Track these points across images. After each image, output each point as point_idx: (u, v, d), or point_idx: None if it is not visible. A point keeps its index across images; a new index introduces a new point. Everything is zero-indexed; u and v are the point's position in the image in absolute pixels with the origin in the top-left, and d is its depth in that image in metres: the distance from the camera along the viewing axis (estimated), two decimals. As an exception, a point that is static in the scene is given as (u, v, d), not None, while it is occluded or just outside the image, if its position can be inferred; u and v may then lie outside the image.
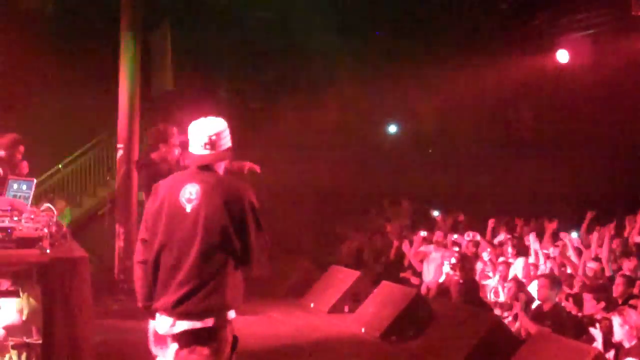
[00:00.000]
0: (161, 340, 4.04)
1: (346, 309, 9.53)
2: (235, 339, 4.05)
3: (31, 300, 5.93)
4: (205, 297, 3.88)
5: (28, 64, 11.41)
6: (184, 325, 3.88)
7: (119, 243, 10.53)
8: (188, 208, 3.94)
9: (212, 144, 4.07)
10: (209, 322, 3.88)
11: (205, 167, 4.07)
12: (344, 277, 10.04)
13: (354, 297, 9.58)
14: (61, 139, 11.97)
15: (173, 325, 3.90)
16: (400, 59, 14.15)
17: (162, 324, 3.96)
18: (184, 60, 13.20)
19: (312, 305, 9.80)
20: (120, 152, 10.62)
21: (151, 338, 4.13)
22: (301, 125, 14.06)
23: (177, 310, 3.89)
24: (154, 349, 4.12)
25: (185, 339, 3.90)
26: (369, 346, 8.06)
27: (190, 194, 3.97)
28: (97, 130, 12.18)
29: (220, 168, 4.14)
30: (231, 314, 3.98)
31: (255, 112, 14.12)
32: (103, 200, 12.43)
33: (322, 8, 13.38)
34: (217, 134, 4.09)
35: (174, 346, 3.96)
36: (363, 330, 8.50)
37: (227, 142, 4.14)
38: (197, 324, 3.87)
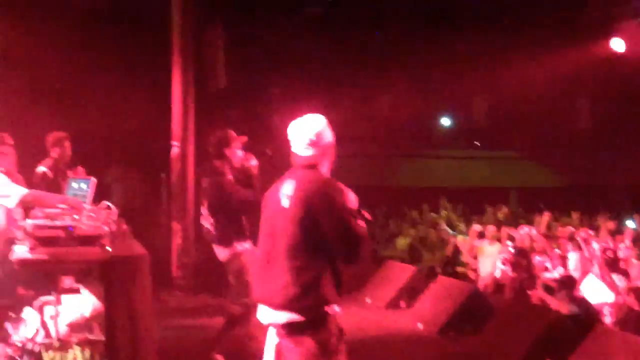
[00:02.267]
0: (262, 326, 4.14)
1: (403, 304, 9.50)
2: (340, 331, 4.04)
3: (93, 297, 6.02)
4: (303, 290, 3.88)
5: (81, 64, 11.56)
6: (285, 317, 3.91)
7: (176, 240, 10.63)
8: (285, 203, 4.00)
9: (313, 143, 4.07)
10: (309, 315, 3.90)
11: (308, 167, 4.07)
12: (399, 272, 10.02)
13: (410, 293, 9.55)
14: (116, 138, 12.11)
15: (273, 316, 3.96)
16: (451, 52, 14.04)
17: (263, 314, 4.04)
18: (236, 57, 13.26)
19: (368, 300, 9.79)
20: (175, 150, 10.71)
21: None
22: (354, 120, 14.04)
23: (276, 302, 3.93)
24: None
25: (287, 331, 3.94)
26: (427, 342, 8.02)
27: (288, 189, 4.03)
28: (151, 127, 12.28)
29: (324, 167, 4.11)
30: (333, 307, 3.96)
31: (307, 109, 14.12)
32: (159, 198, 12.55)
33: (372, 3, 13.34)
34: (317, 134, 4.08)
35: (274, 338, 4.01)
36: (420, 325, 8.46)
37: (327, 139, 4.13)
38: (297, 317, 3.89)
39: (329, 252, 3.94)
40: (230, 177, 6.66)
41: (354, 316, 9.06)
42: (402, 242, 11.80)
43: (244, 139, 6.88)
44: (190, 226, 10.71)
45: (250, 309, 5.99)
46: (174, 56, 10.81)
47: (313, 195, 3.94)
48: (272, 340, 4.04)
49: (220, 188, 6.54)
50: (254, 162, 7.00)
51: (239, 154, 6.89)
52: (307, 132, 4.09)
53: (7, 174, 6.15)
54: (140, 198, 12.34)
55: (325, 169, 4.12)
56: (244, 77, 13.51)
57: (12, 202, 5.65)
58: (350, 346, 6.52)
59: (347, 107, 15.03)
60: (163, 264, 10.51)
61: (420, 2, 13.86)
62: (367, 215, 4.15)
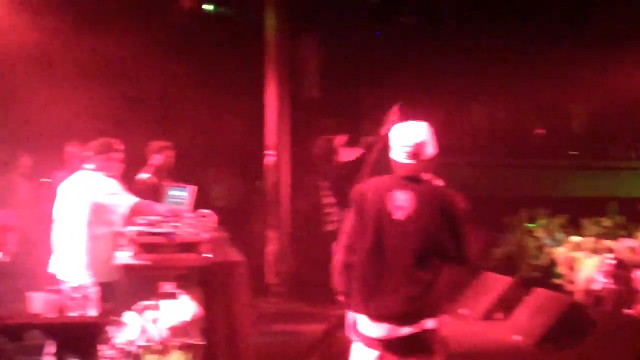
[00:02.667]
0: (365, 340, 3.96)
1: (498, 315, 9.36)
2: (445, 342, 4.06)
3: (192, 302, 6.15)
4: (420, 302, 3.82)
5: (181, 76, 11.85)
6: (399, 330, 3.82)
7: (272, 247, 10.76)
8: (399, 215, 3.85)
9: (415, 154, 3.93)
10: (425, 326, 3.84)
11: (416, 176, 3.94)
12: (495, 283, 9.87)
13: (506, 304, 9.40)
14: (213, 146, 12.34)
15: (386, 330, 3.84)
16: (549, 59, 13.78)
17: (370, 328, 3.88)
18: (329, 67, 13.36)
19: (463, 311, 9.68)
20: (270, 159, 10.85)
21: (351, 327, 4.05)
22: (449, 129, 13.94)
23: (391, 315, 3.83)
24: (353, 337, 4.05)
25: (399, 346, 3.84)
26: (524, 354, 7.87)
27: (400, 201, 3.87)
28: (247, 136, 12.48)
29: (427, 176, 3.99)
30: (443, 318, 3.96)
31: (403, 118, 14.08)
32: (253, 205, 12.72)
33: (466, 12, 13.23)
34: (421, 144, 3.94)
35: (375, 352, 3.91)
36: (517, 337, 8.32)
37: (431, 149, 3.99)
38: (410, 329, 3.82)
39: (446, 263, 3.88)
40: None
41: (449, 327, 8.98)
42: (497, 253, 11.62)
43: (345, 137, 6.92)
44: (285, 234, 10.83)
45: None
46: (269, 66, 10.96)
47: (438, 206, 3.86)
48: (370, 354, 3.93)
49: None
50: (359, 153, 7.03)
51: (345, 154, 6.93)
52: (409, 141, 3.94)
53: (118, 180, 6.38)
54: (236, 205, 12.56)
55: (427, 177, 4.00)
56: (338, 87, 13.59)
57: (123, 210, 5.85)
58: (447, 357, 6.50)
59: (441, 116, 14.94)
60: (258, 271, 10.64)
61: (517, 12, 13.66)
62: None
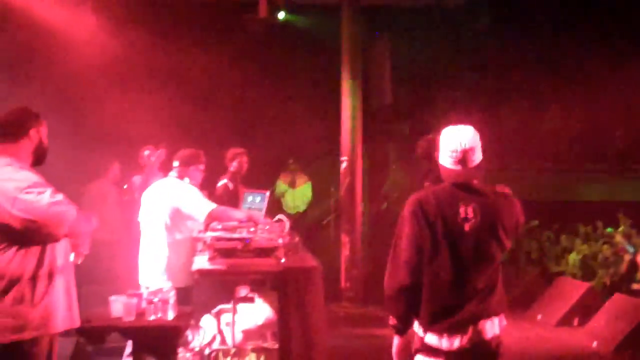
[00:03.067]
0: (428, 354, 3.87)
1: (575, 322, 9.22)
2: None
3: (267, 306, 6.25)
4: (491, 310, 3.83)
5: (257, 82, 12.04)
6: (481, 336, 3.80)
7: (345, 252, 10.83)
8: (466, 227, 3.75)
9: (463, 160, 3.80)
10: (495, 334, 3.84)
11: (469, 187, 3.82)
12: (572, 289, 9.72)
13: (583, 310, 9.25)
14: (286, 152, 12.48)
15: (459, 343, 3.78)
16: (625, 63, 13.49)
17: (444, 342, 3.79)
18: (400, 73, 13.37)
19: (539, 317, 9.56)
20: (344, 165, 10.92)
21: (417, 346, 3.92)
22: (522, 134, 13.79)
23: (465, 327, 3.78)
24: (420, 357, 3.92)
25: (470, 354, 3.81)
26: (602, 360, 7.76)
27: (466, 212, 3.76)
28: (319, 143, 12.57)
29: (480, 183, 3.88)
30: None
31: (475, 123, 13.97)
32: (327, 211, 12.81)
33: (539, 17, 13.06)
34: (469, 150, 3.80)
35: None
36: (595, 344, 8.18)
37: (479, 156, 3.84)
38: (486, 337, 3.81)
39: (499, 270, 3.90)
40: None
41: (524, 333, 8.89)
42: (574, 258, 11.45)
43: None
44: (358, 239, 10.88)
45: None
46: (343, 73, 11.04)
47: (499, 217, 3.82)
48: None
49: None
50: None
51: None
52: (458, 145, 3.82)
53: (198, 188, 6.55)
54: (311, 211, 12.66)
55: (478, 183, 3.88)
56: (410, 93, 13.58)
57: (202, 217, 5.99)
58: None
59: (515, 120, 14.78)
60: (332, 276, 10.70)
61: (591, 14, 13.41)
62: None
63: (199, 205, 6.08)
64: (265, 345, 6.31)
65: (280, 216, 6.19)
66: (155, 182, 6.63)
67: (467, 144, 3.79)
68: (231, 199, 8.21)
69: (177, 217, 6.18)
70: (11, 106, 4.30)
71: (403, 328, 3.91)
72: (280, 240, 5.46)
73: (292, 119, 12.16)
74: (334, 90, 11.32)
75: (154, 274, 6.18)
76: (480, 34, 13.37)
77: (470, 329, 3.78)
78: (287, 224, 5.93)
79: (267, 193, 6.58)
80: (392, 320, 3.90)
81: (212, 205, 6.10)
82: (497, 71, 13.79)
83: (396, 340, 3.95)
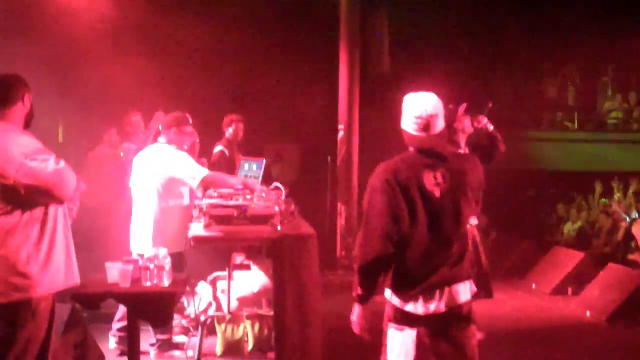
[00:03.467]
0: (401, 322, 3.93)
1: (570, 291, 9.27)
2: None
3: (261, 273, 6.27)
4: (463, 274, 3.87)
5: (254, 50, 11.97)
6: (455, 301, 3.82)
7: (341, 221, 10.85)
8: (437, 193, 3.77)
9: (426, 126, 3.82)
10: (467, 299, 3.87)
11: (427, 150, 3.83)
12: (567, 258, 9.77)
13: (577, 279, 9.30)
14: (284, 122, 12.44)
15: (435, 307, 3.81)
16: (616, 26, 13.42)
17: (420, 307, 3.82)
18: (399, 43, 13.30)
19: (533, 286, 9.62)
20: (340, 133, 10.90)
21: (390, 313, 4.00)
22: (516, 104, 13.81)
23: (440, 291, 3.81)
24: (391, 329, 4.01)
25: (443, 319, 3.83)
26: (595, 330, 7.79)
27: (435, 178, 3.78)
28: (319, 111, 12.53)
29: (444, 148, 3.88)
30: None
31: (472, 92, 13.96)
32: (324, 179, 12.79)
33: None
34: (432, 116, 3.82)
35: (413, 332, 3.87)
36: (588, 313, 8.24)
37: (441, 123, 3.85)
38: (459, 301, 3.83)
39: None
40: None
41: (519, 301, 8.95)
42: (569, 228, 11.49)
43: (464, 105, 6.91)
44: (354, 207, 10.89)
45: None
46: (341, 41, 10.99)
47: (465, 179, 3.85)
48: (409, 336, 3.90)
49: None
50: (484, 121, 7.01)
51: (467, 122, 6.92)
52: (420, 112, 3.83)
53: (189, 152, 6.54)
54: (306, 179, 12.65)
55: (444, 149, 3.89)
56: (407, 62, 13.51)
57: (195, 183, 6.00)
58: (516, 331, 6.51)
59: (509, 91, 14.75)
60: (328, 245, 10.73)
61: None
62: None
63: (191, 171, 6.08)
64: (261, 312, 6.34)
65: (276, 183, 6.19)
66: (146, 148, 6.61)
67: (431, 110, 3.81)
68: (227, 166, 8.21)
69: (169, 184, 6.20)
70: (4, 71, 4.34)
71: (367, 297, 3.90)
72: (277, 208, 5.45)
73: (289, 86, 12.10)
74: (332, 58, 11.27)
75: (146, 240, 6.21)
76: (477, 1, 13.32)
77: (446, 292, 3.81)
78: (284, 192, 5.93)
79: (264, 161, 6.57)
80: (357, 290, 3.89)
81: (205, 171, 6.12)
82: (492, 39, 13.75)
83: (358, 310, 3.96)
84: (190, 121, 6.53)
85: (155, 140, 6.66)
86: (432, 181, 3.78)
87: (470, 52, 14.02)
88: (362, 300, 3.91)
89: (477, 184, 3.92)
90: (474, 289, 3.95)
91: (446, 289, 3.81)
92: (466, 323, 3.89)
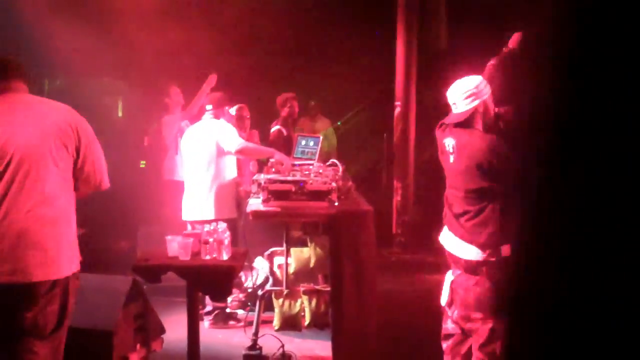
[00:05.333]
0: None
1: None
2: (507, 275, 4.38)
3: (318, 249, 6.30)
4: (468, 237, 4.42)
5: (308, 28, 11.95)
6: (458, 253, 4.52)
7: (397, 198, 10.82)
8: (451, 159, 4.51)
9: (455, 104, 4.48)
10: (481, 255, 4.39)
11: (461, 125, 4.49)
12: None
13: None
14: (342, 98, 12.42)
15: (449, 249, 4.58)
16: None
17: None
18: (457, 19, 13.14)
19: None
20: (397, 110, 10.84)
21: None
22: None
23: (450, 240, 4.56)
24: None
25: (464, 267, 4.49)
26: None
27: (450, 147, 4.53)
28: (374, 88, 12.48)
29: (478, 123, 4.48)
30: (505, 250, 4.35)
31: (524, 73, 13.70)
32: (380, 156, 12.77)
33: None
34: (457, 96, 4.47)
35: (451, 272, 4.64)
36: None
37: (473, 99, 4.44)
38: (466, 256, 4.44)
39: (493, 201, 4.35)
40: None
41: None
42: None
43: None
44: (410, 185, 10.85)
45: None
46: (399, 17, 10.91)
47: (468, 152, 4.40)
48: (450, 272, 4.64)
49: None
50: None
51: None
52: (450, 93, 4.50)
53: (238, 127, 6.95)
54: (363, 156, 12.64)
55: (479, 125, 4.46)
56: (465, 40, 13.34)
57: (233, 148, 6.45)
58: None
59: (572, 66, 14.43)
60: (384, 222, 10.72)
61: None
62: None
63: (232, 139, 6.52)
64: (317, 287, 6.38)
65: (333, 160, 6.21)
66: (197, 123, 7.01)
67: (455, 91, 4.49)
68: (285, 144, 8.28)
69: (218, 153, 6.58)
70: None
71: None
72: (334, 184, 5.48)
73: (346, 63, 12.08)
74: (389, 34, 11.19)
75: (200, 209, 6.60)
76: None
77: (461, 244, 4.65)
78: (341, 168, 5.95)
79: (321, 137, 6.60)
80: None
81: (242, 141, 6.60)
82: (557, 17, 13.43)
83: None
84: (247, 114, 6.97)
85: (200, 115, 7.05)
86: (448, 149, 4.55)
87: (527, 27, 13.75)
88: None
89: (482, 163, 4.34)
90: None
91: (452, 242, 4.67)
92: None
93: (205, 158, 6.64)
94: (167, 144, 8.35)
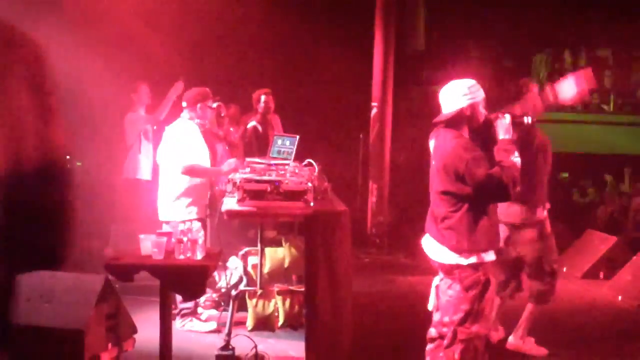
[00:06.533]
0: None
1: (601, 275, 9.20)
2: (487, 281, 4.38)
3: (292, 249, 6.27)
4: (441, 239, 4.40)
5: (286, 26, 11.92)
6: (434, 256, 4.47)
7: (372, 199, 10.82)
8: (432, 161, 4.52)
9: (444, 105, 4.46)
10: (449, 259, 4.38)
11: (449, 124, 4.44)
12: (599, 242, 9.67)
13: (609, 264, 9.22)
14: (316, 99, 12.41)
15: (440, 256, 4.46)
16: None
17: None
18: (434, 20, 13.18)
19: (565, 269, 9.53)
20: (374, 110, 10.84)
21: None
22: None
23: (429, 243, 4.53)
24: None
25: (442, 271, 4.47)
26: (627, 315, 7.73)
27: (432, 148, 4.56)
28: (351, 89, 12.48)
29: (463, 126, 4.43)
30: (476, 257, 4.33)
31: (507, 70, 13.80)
32: (356, 157, 12.77)
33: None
34: (446, 96, 4.44)
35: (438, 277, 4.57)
36: (619, 298, 8.17)
37: (458, 102, 4.38)
38: (441, 259, 4.42)
39: (466, 204, 4.31)
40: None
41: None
42: (602, 212, 11.39)
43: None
44: (385, 186, 10.86)
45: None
46: (376, 17, 10.91)
47: (441, 154, 4.39)
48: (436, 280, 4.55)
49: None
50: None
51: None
52: (449, 91, 4.44)
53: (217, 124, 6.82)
54: (339, 157, 12.62)
55: (464, 128, 4.43)
56: (443, 40, 13.38)
57: (179, 169, 6.43)
58: (546, 315, 6.48)
59: (553, 69, 14.54)
60: (359, 223, 10.73)
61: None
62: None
63: (179, 158, 6.45)
64: (292, 287, 6.35)
65: (309, 160, 6.18)
66: (174, 122, 6.86)
67: (443, 93, 4.46)
68: (261, 142, 8.25)
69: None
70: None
71: None
72: (310, 184, 5.45)
73: (323, 63, 12.06)
74: (367, 35, 11.20)
75: (171, 209, 6.56)
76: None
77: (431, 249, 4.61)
78: (317, 168, 5.92)
79: (297, 137, 6.56)
80: None
81: (189, 162, 6.44)
82: (532, 18, 13.52)
83: None
84: (212, 97, 6.82)
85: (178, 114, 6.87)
86: (431, 149, 4.58)
87: (508, 31, 13.82)
88: None
89: (456, 166, 4.28)
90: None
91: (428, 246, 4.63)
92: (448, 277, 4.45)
93: (171, 158, 6.56)
94: (129, 143, 8.33)
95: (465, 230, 4.28)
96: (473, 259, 4.31)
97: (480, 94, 4.40)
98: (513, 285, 6.28)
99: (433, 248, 4.47)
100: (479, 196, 4.23)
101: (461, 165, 4.21)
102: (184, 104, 6.76)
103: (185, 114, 6.75)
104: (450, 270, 4.36)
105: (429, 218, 4.55)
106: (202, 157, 6.59)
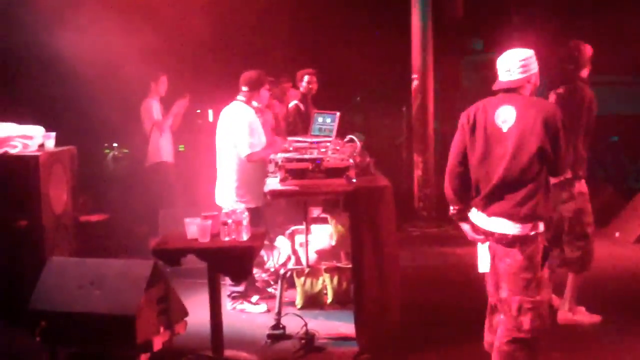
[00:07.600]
0: (478, 231, 4.44)
1: (654, 240, 9.03)
2: (546, 249, 4.34)
3: (339, 226, 6.27)
4: (519, 205, 4.22)
5: (324, 4, 11.87)
6: (498, 225, 4.28)
7: (417, 172, 10.74)
8: (505, 128, 4.27)
9: (510, 70, 4.37)
10: (523, 229, 4.22)
11: (512, 91, 4.36)
12: (651, 206, 9.49)
13: (664, 227, 9.04)
14: (358, 73, 12.34)
15: (487, 222, 4.33)
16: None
17: (478, 218, 4.40)
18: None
19: (617, 234, 9.38)
20: (415, 82, 10.73)
21: (468, 233, 4.53)
22: (603, 49, 13.32)
23: (492, 210, 4.31)
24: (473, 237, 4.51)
25: (500, 241, 4.30)
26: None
27: (505, 115, 4.30)
28: (391, 62, 12.37)
29: (527, 91, 4.38)
30: (541, 225, 4.25)
31: (550, 36, 13.53)
32: (400, 131, 12.69)
33: None
34: (514, 62, 4.37)
35: (487, 245, 4.39)
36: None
37: (527, 69, 4.37)
38: (510, 229, 4.24)
39: (546, 171, 4.27)
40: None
41: (602, 250, 8.72)
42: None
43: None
44: (430, 158, 10.75)
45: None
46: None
47: (538, 118, 4.20)
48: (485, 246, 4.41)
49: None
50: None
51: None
52: (505, 61, 4.39)
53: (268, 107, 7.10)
54: (382, 131, 12.57)
55: (528, 93, 4.39)
56: (481, 7, 13.17)
57: (242, 155, 6.38)
58: (599, 281, 6.39)
59: (593, 35, 14.20)
60: (405, 196, 10.67)
61: None
62: None
63: (244, 145, 6.41)
64: (339, 265, 6.36)
65: (351, 136, 6.17)
66: (229, 105, 6.75)
67: (510, 60, 4.39)
68: (302, 120, 8.27)
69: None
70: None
71: (460, 214, 4.54)
72: (352, 161, 5.44)
73: (361, 38, 11.98)
74: (404, 6, 11.06)
75: (227, 195, 6.44)
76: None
77: (498, 214, 4.37)
78: (359, 144, 5.90)
79: (338, 114, 6.54)
80: (449, 212, 4.62)
81: (252, 148, 6.39)
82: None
83: (462, 227, 4.57)
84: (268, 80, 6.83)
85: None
86: (502, 118, 4.32)
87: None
88: (458, 218, 4.55)
89: (552, 128, 4.20)
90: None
91: (490, 211, 4.39)
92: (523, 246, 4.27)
93: (231, 143, 6.52)
94: (146, 128, 8.48)
95: (539, 200, 4.21)
96: (540, 227, 4.25)
97: (537, 65, 4.44)
98: (556, 253, 6.15)
99: (489, 220, 4.32)
100: (554, 164, 4.25)
101: (560, 125, 4.22)
102: (245, 88, 6.64)
103: (241, 97, 6.66)
104: (512, 241, 4.25)
105: (492, 189, 4.28)
106: (263, 143, 6.53)
